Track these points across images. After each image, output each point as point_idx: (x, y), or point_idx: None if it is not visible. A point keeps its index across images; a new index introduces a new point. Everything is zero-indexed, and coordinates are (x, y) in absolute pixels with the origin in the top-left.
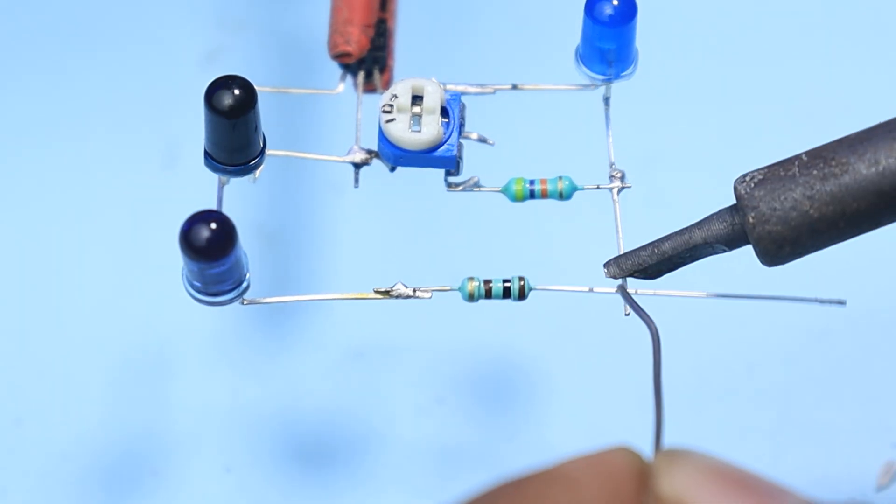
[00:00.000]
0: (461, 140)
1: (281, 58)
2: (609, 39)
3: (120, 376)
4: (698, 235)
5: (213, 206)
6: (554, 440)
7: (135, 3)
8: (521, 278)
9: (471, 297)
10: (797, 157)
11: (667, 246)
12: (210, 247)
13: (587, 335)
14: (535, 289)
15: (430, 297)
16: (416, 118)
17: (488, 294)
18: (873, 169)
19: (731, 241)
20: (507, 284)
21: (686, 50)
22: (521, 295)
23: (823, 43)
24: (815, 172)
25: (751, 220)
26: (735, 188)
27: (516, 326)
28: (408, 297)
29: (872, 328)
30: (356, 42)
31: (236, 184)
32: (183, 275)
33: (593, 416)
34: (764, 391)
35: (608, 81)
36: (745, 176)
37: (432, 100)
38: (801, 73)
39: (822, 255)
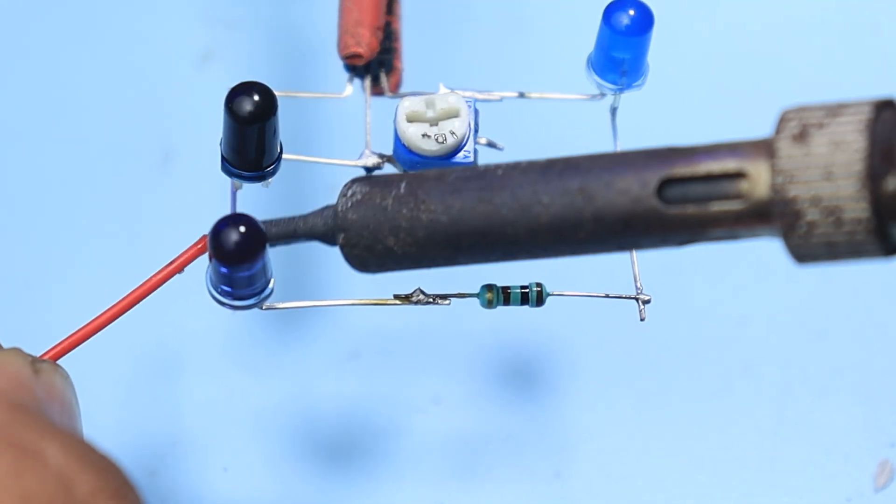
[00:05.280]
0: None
1: (278, 57)
2: (624, 49)
3: (117, 377)
4: (302, 229)
5: (213, 205)
6: (560, 438)
7: (131, 1)
8: (538, 284)
9: (489, 304)
10: (398, 183)
11: (273, 231)
12: (239, 250)
13: (595, 337)
14: (552, 294)
15: (449, 304)
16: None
17: (506, 300)
18: (445, 218)
19: (327, 242)
20: (525, 291)
21: (691, 62)
22: (539, 301)
23: (831, 59)
24: (404, 212)
25: (340, 240)
26: (338, 197)
27: (525, 328)
28: (427, 303)
29: (870, 328)
30: (367, 44)
31: (246, 186)
32: (207, 277)
33: (595, 416)
34: (761, 391)
35: (619, 91)
36: (348, 187)
37: (462, 124)
38: (807, 86)
39: None
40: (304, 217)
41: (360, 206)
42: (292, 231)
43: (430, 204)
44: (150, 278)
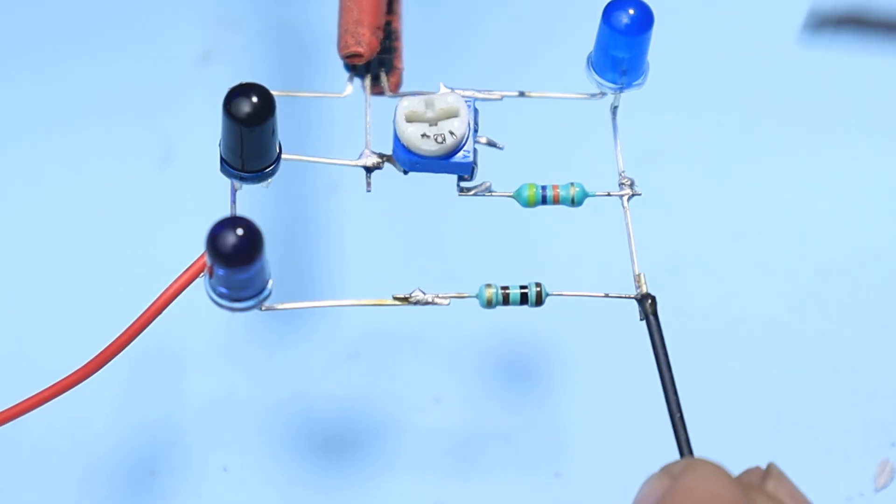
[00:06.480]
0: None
1: (278, 57)
2: (624, 48)
3: (117, 376)
4: None
5: (213, 205)
6: (560, 438)
7: (130, 1)
8: (537, 284)
9: (488, 304)
10: None
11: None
12: (237, 252)
13: (595, 337)
14: (552, 294)
15: (448, 304)
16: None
17: (506, 300)
18: None
19: None
20: (525, 291)
21: (691, 61)
22: (539, 301)
23: (832, 57)
24: None
25: None
26: None
27: (524, 328)
28: (426, 303)
29: (870, 328)
30: (367, 44)
31: (246, 186)
32: (205, 278)
33: (595, 416)
34: (761, 391)
35: (619, 90)
36: None
37: (462, 124)
38: (809, 85)
39: (821, 253)
40: None
41: None
42: None
43: None
44: (170, 287)
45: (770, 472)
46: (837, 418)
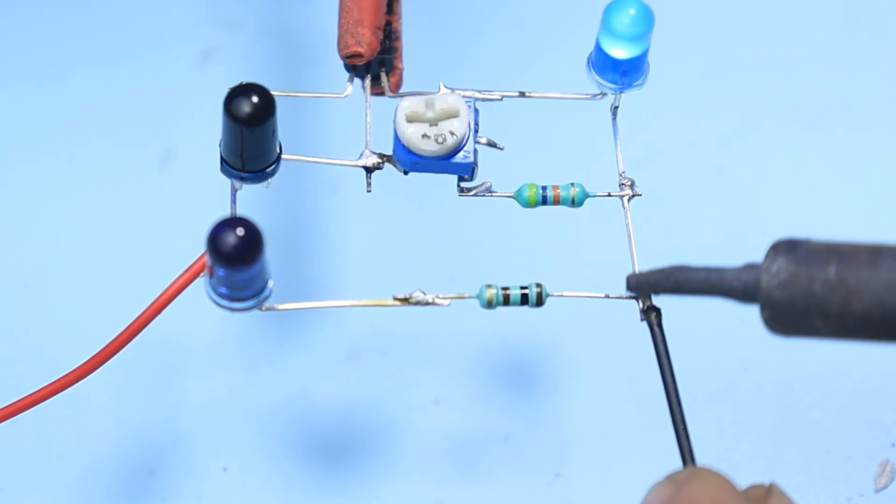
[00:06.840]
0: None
1: (278, 57)
2: (624, 49)
3: (117, 377)
4: (718, 288)
5: (213, 205)
6: (560, 438)
7: (131, 2)
8: (538, 285)
9: (489, 305)
10: (825, 264)
11: (688, 287)
12: (237, 253)
13: (595, 337)
14: (552, 295)
15: (449, 305)
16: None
17: (506, 301)
18: (878, 312)
19: (741, 302)
20: (525, 291)
21: (691, 62)
22: (539, 301)
23: (832, 58)
24: (834, 300)
25: (765, 314)
26: (762, 268)
27: (524, 328)
28: (426, 304)
29: None
30: (367, 44)
31: (246, 186)
32: (206, 280)
33: (595, 416)
34: (761, 391)
35: (619, 91)
36: (772, 259)
37: (462, 124)
38: (808, 85)
39: None
40: (721, 275)
41: (787, 287)
42: (708, 288)
43: (863, 296)
44: (168, 288)
45: (772, 490)
46: (837, 418)
